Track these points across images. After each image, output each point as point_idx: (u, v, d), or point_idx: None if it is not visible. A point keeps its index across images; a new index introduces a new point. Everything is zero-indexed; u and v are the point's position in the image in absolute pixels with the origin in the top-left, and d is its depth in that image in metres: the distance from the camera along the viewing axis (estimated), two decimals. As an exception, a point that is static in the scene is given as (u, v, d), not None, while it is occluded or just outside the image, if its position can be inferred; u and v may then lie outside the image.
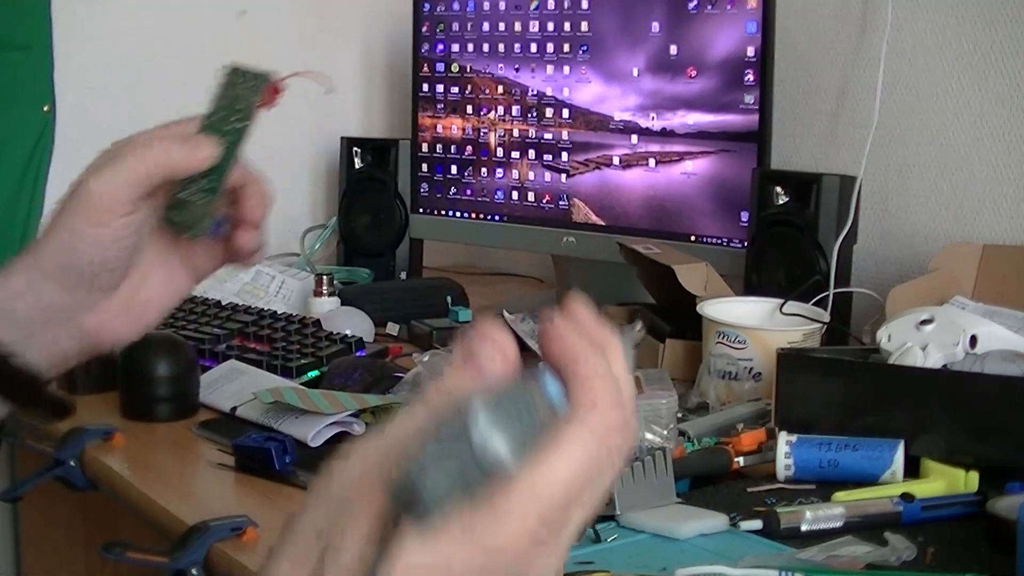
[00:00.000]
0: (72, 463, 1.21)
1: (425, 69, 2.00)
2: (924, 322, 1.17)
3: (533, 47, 1.85)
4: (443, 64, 1.97)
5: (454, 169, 1.97)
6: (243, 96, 0.75)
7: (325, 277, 1.71)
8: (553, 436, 0.40)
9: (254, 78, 0.75)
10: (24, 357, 0.70)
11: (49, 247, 0.69)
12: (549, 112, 1.84)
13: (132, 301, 0.73)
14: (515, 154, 1.89)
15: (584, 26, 1.78)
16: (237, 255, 0.74)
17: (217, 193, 0.71)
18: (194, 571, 0.97)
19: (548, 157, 1.85)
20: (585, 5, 1.78)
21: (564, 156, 1.83)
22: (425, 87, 2.00)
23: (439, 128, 1.99)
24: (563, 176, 1.83)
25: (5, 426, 0.76)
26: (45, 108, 1.92)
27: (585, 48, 1.78)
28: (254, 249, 0.74)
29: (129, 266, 0.71)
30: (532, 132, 1.87)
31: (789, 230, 1.53)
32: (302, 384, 1.38)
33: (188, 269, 0.75)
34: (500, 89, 1.90)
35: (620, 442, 0.42)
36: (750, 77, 1.58)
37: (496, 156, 1.92)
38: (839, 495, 1.03)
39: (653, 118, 1.71)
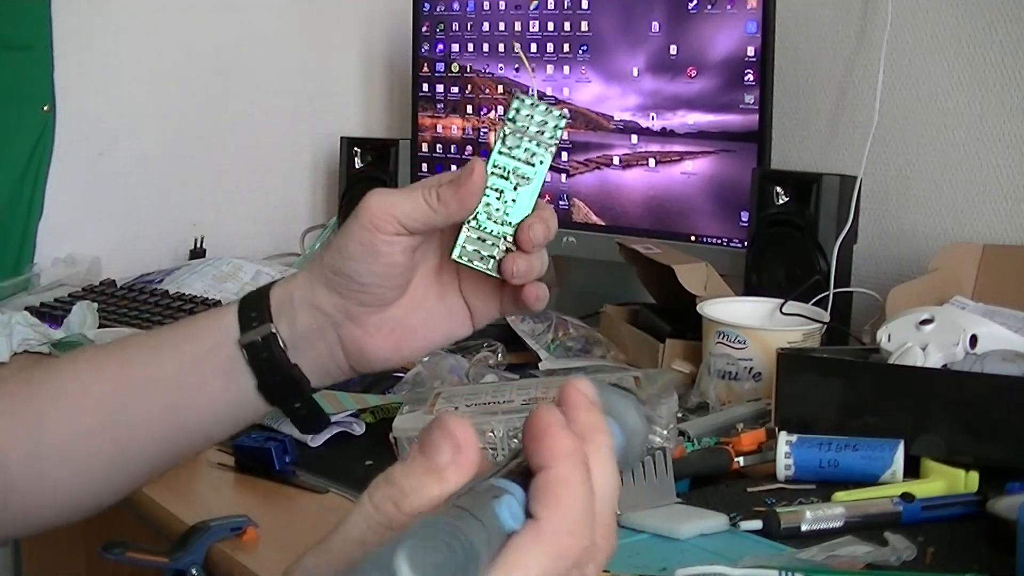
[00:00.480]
0: (195, 572, 0.98)
1: (425, 69, 2.00)
2: (924, 322, 1.17)
3: (533, 47, 1.85)
4: (443, 64, 1.97)
5: (454, 169, 1.97)
6: (535, 132, 0.71)
7: (325, 277, 1.71)
8: (498, 556, 0.37)
9: (546, 112, 0.70)
10: (297, 359, 0.72)
11: (328, 250, 0.71)
12: (549, 112, 1.84)
13: (400, 324, 0.72)
14: (515, 154, 1.89)
15: (584, 26, 1.78)
16: (519, 299, 0.72)
17: (507, 232, 0.70)
18: (194, 571, 0.97)
19: (548, 157, 1.85)
20: (585, 5, 1.78)
21: (564, 156, 1.83)
22: (425, 87, 2.00)
23: (439, 128, 1.99)
24: (563, 176, 1.83)
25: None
26: (45, 108, 1.92)
27: (585, 48, 1.78)
28: (535, 289, 0.71)
29: (402, 290, 0.72)
30: (532, 132, 1.86)
31: (789, 230, 1.52)
32: (302, 384, 1.38)
33: (466, 310, 0.74)
34: (500, 89, 1.90)
35: (583, 562, 0.38)
36: (750, 77, 1.58)
37: (496, 156, 1.91)
38: (839, 495, 1.03)
39: (653, 118, 1.71)
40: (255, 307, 0.73)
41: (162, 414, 0.73)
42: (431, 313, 0.73)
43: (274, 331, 0.71)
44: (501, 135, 0.70)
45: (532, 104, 0.70)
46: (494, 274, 0.70)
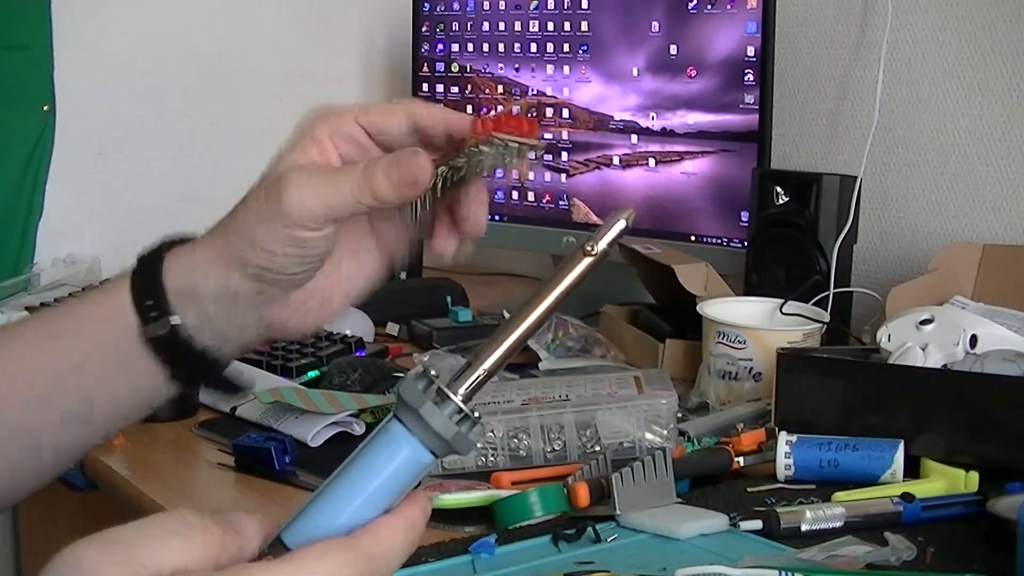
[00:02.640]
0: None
1: (425, 69, 2.00)
2: (924, 322, 1.17)
3: (533, 47, 1.85)
4: (443, 64, 1.97)
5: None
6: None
7: (325, 277, 1.71)
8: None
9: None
10: (205, 340, 0.68)
11: (237, 239, 0.65)
12: (549, 112, 1.84)
13: (320, 291, 0.69)
14: (515, 154, 1.89)
15: (584, 26, 1.78)
16: (431, 244, 0.69)
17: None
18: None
19: (548, 157, 1.85)
20: (585, 5, 1.78)
21: (564, 156, 1.83)
22: (425, 87, 2.00)
23: (439, 128, 1.98)
24: (563, 176, 1.83)
25: None
26: (45, 108, 1.92)
27: (585, 48, 1.78)
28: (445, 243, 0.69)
29: (322, 263, 0.67)
30: (532, 132, 1.86)
31: (789, 230, 1.52)
32: (302, 384, 1.38)
33: (381, 252, 0.71)
34: (500, 89, 1.90)
35: None
36: (750, 77, 1.58)
37: (496, 156, 1.91)
38: (839, 495, 1.03)
39: (653, 118, 1.71)
40: (151, 293, 0.67)
41: (59, 406, 0.69)
42: (351, 269, 0.70)
43: (177, 323, 0.67)
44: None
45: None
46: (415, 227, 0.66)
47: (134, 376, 0.69)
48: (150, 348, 0.67)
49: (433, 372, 0.50)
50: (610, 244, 0.54)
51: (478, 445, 1.12)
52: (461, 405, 0.49)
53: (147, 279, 0.68)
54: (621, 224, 0.53)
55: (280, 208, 0.63)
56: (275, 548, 0.48)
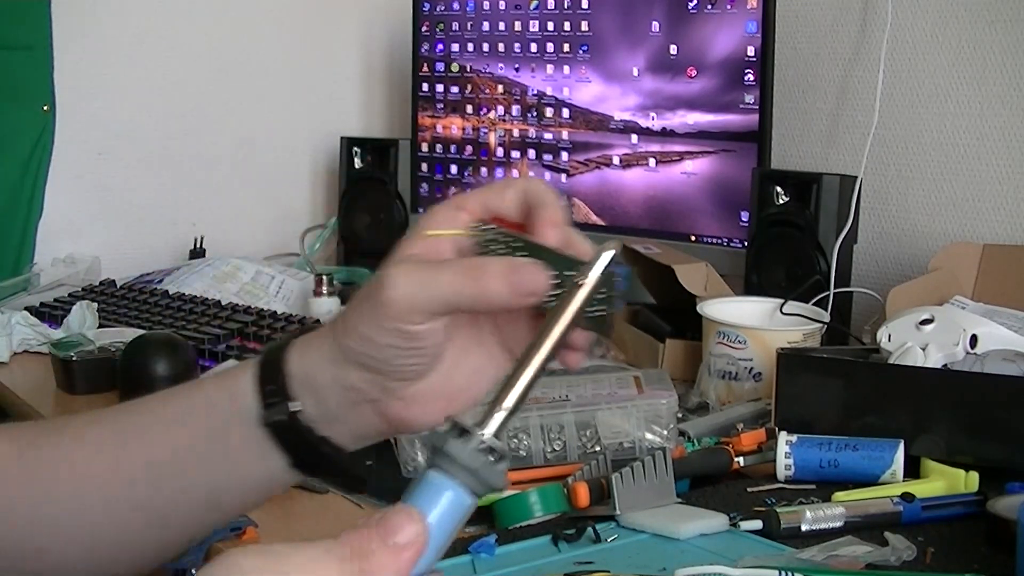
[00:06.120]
0: (195, 572, 0.96)
1: (425, 69, 2.00)
2: (924, 322, 1.17)
3: (533, 47, 1.85)
4: (443, 64, 1.97)
5: (454, 169, 1.97)
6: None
7: (325, 277, 1.71)
8: None
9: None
10: (326, 431, 0.66)
11: (345, 334, 0.64)
12: (549, 112, 1.84)
13: (444, 388, 0.65)
14: (515, 154, 1.89)
15: (584, 26, 1.78)
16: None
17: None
18: (194, 571, 0.96)
19: (548, 157, 1.85)
20: (585, 5, 1.78)
21: (564, 156, 1.83)
22: (425, 87, 2.00)
23: (439, 128, 1.99)
24: (563, 176, 1.83)
25: None
26: (45, 108, 1.92)
27: (585, 48, 1.78)
28: (577, 356, 0.63)
29: (441, 356, 0.64)
30: (532, 132, 1.87)
31: (789, 230, 1.53)
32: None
33: (504, 351, 0.67)
34: (500, 89, 1.90)
35: None
36: (750, 77, 1.58)
37: (496, 156, 1.92)
38: (839, 495, 1.03)
39: (653, 118, 1.71)
40: (272, 379, 0.66)
41: (183, 492, 0.69)
42: (473, 366, 0.66)
43: (298, 409, 0.65)
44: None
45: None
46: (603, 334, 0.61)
47: (253, 462, 0.68)
48: (270, 433, 0.67)
49: (456, 420, 0.51)
50: (604, 273, 0.55)
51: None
52: (485, 439, 0.50)
53: (271, 365, 0.67)
54: (611, 252, 0.54)
55: (380, 302, 0.61)
56: None
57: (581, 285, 0.55)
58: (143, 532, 0.71)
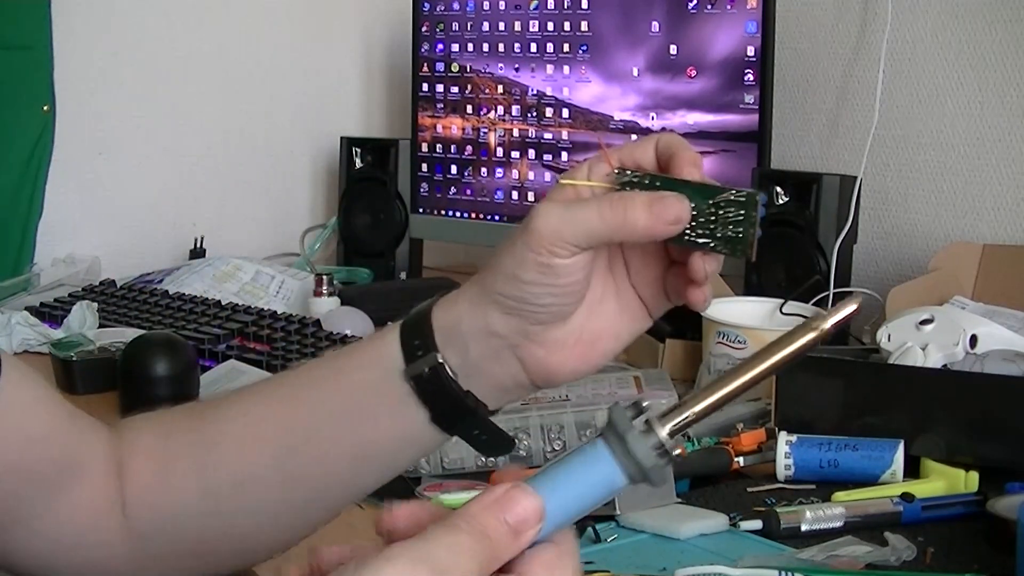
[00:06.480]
0: None
1: (425, 69, 2.00)
2: (924, 322, 1.17)
3: (533, 47, 1.85)
4: (443, 64, 1.97)
5: (454, 169, 1.97)
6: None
7: (325, 277, 1.71)
8: None
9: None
10: (469, 385, 0.68)
11: (491, 275, 0.66)
12: (549, 112, 1.84)
13: (583, 334, 0.67)
14: (515, 154, 1.89)
15: (584, 26, 1.78)
16: (683, 292, 0.69)
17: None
18: None
19: (548, 157, 1.85)
20: (585, 5, 1.78)
21: (564, 156, 1.83)
22: (425, 87, 2.00)
23: (439, 128, 1.99)
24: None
25: None
26: (45, 108, 1.92)
27: (585, 48, 1.78)
28: (703, 292, 0.68)
29: (582, 299, 0.66)
30: (532, 132, 1.87)
31: (789, 230, 1.53)
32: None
33: (640, 306, 0.70)
34: (500, 89, 1.90)
35: None
36: (750, 77, 1.58)
37: (496, 156, 1.92)
38: (839, 495, 1.03)
39: (653, 118, 1.71)
40: (418, 334, 0.69)
41: (335, 454, 0.71)
42: (612, 313, 0.68)
43: (441, 360, 0.67)
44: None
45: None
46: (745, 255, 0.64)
47: (396, 418, 0.70)
48: (413, 386, 0.68)
49: (646, 403, 0.53)
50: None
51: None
52: (664, 439, 0.51)
53: (415, 321, 0.69)
54: (852, 307, 0.55)
55: (528, 233, 0.64)
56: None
57: (814, 329, 0.54)
58: (280, 510, 0.73)
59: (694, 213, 0.63)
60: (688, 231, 0.64)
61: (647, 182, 0.65)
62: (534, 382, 0.69)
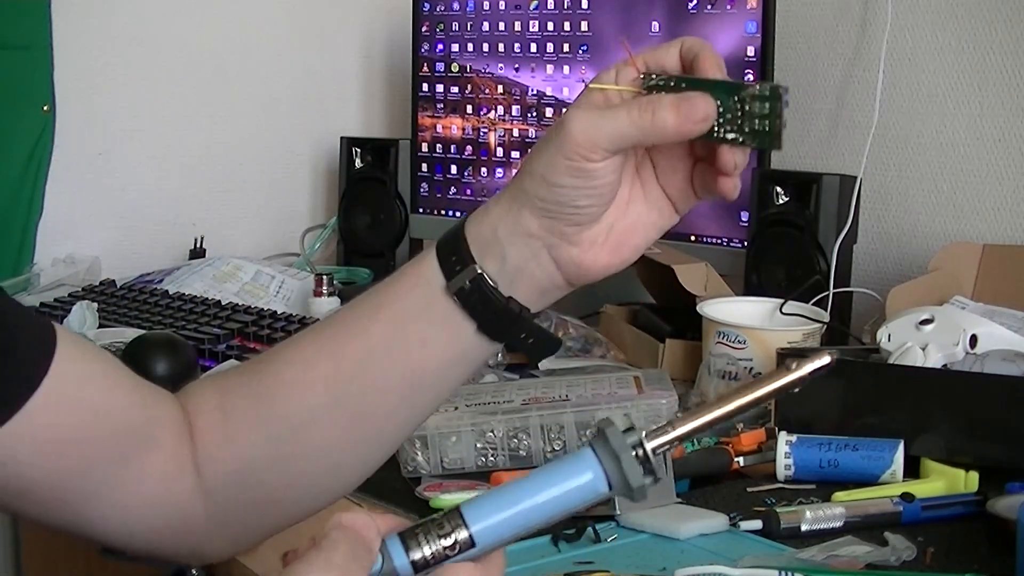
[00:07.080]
0: (195, 572, 0.96)
1: (425, 69, 2.00)
2: (924, 322, 1.17)
3: (533, 47, 1.85)
4: (443, 64, 1.97)
5: (454, 169, 1.97)
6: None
7: (325, 277, 1.71)
8: None
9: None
10: (510, 291, 0.71)
11: (525, 179, 0.70)
12: (549, 112, 1.84)
13: (614, 231, 0.71)
14: (515, 154, 1.89)
15: (584, 26, 1.78)
16: (713, 185, 0.72)
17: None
18: (194, 571, 0.97)
19: (548, 157, 1.85)
20: (585, 5, 1.78)
21: (564, 156, 1.83)
22: (425, 87, 2.00)
23: (439, 128, 1.99)
24: (563, 176, 1.83)
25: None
26: (45, 108, 1.92)
27: (585, 48, 1.78)
28: (732, 168, 0.71)
29: (613, 199, 0.70)
30: (532, 132, 1.87)
31: (789, 230, 1.52)
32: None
33: (668, 205, 0.73)
34: (500, 89, 1.90)
35: None
36: (750, 77, 1.58)
37: (496, 156, 1.92)
38: (839, 495, 1.03)
39: (653, 118, 1.70)
40: (454, 250, 0.72)
41: (388, 382, 0.74)
42: (640, 210, 0.72)
43: (480, 271, 0.71)
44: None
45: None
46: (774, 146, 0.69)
47: (445, 335, 0.72)
48: (456, 301, 0.71)
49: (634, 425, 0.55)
50: (810, 373, 0.59)
51: (478, 445, 1.12)
52: (652, 460, 0.54)
53: (450, 239, 0.73)
54: (826, 359, 0.58)
55: (561, 139, 0.67)
56: (451, 516, 0.55)
57: (790, 370, 0.58)
58: (344, 446, 0.75)
59: (721, 110, 0.67)
60: (716, 128, 0.67)
61: (673, 84, 0.68)
62: (569, 281, 0.72)
